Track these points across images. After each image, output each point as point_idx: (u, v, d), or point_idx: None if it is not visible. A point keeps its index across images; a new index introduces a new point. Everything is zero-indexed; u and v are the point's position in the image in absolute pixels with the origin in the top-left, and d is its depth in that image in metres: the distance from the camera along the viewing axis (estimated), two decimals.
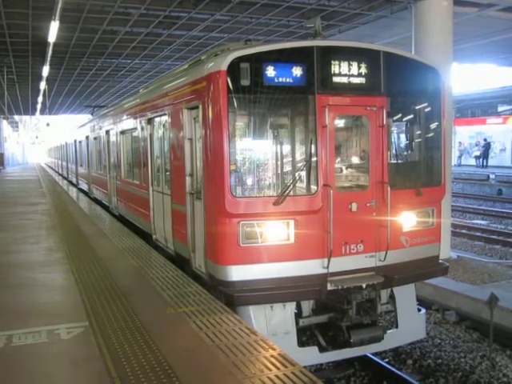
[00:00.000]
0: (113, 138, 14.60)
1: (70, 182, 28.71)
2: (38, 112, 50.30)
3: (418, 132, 7.93)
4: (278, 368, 4.36)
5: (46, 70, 23.98)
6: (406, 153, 8.12)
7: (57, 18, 14.31)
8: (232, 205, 6.28)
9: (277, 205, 6.32)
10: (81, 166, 23.72)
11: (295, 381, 4.13)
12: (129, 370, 4.36)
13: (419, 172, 7.96)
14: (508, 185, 30.65)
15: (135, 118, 11.41)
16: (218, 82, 6.30)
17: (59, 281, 7.45)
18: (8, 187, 27.03)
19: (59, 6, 13.29)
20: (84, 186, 22.58)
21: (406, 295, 7.45)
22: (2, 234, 11.53)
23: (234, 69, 6.22)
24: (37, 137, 68.23)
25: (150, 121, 10.11)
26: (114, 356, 4.65)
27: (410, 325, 7.41)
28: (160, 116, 9.36)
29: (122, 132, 13.27)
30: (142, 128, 10.65)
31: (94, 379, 4.32)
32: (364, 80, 6.81)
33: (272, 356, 4.60)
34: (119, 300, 6.33)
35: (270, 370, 4.33)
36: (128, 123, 12.36)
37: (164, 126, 9.16)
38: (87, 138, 20.43)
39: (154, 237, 10.05)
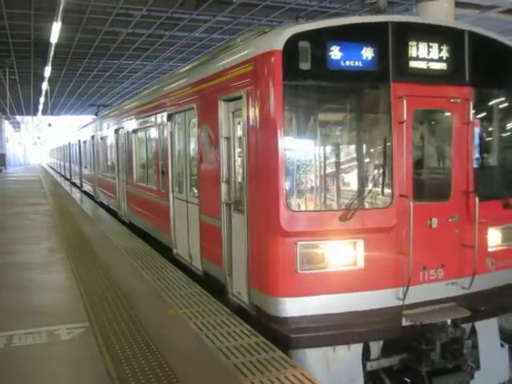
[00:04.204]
0: (123, 138, 13.16)
1: (74, 184, 28.27)
2: (39, 112, 50.40)
3: (509, 131, 6.65)
4: (278, 370, 4.34)
5: (47, 71, 24.03)
6: (492, 156, 6.69)
7: (59, 18, 14.35)
8: (288, 220, 5.09)
9: (344, 220, 5.17)
10: (85, 167, 22.59)
11: (296, 383, 4.12)
12: (129, 371, 4.35)
13: (508, 179, 6.56)
14: None
15: (152, 115, 10.00)
16: (270, 65, 5.11)
17: (60, 281, 7.44)
18: (10, 188, 27.05)
19: (61, 6, 13.32)
20: (89, 189, 21.58)
21: (489, 328, 6.06)
22: (3, 235, 11.53)
23: (291, 48, 5.02)
24: (38, 137, 68.32)
25: (171, 117, 8.73)
26: (114, 357, 4.64)
27: (493, 364, 6.02)
28: (185, 111, 7.99)
29: (135, 131, 11.93)
30: (161, 125, 9.30)
31: (94, 380, 4.30)
32: (445, 66, 5.63)
33: (273, 358, 4.58)
34: (120, 301, 6.32)
35: (271, 372, 4.31)
36: (142, 120, 11.03)
37: (190, 122, 7.85)
38: (93, 137, 19.20)
39: (174, 251, 8.77)
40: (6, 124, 62.08)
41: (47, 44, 18.68)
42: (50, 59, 21.48)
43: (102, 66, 27.30)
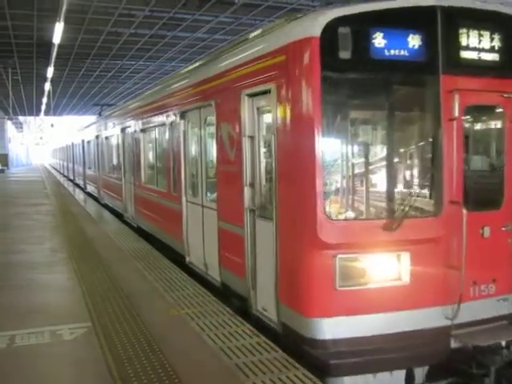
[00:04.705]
0: (131, 137, 12.49)
1: (77, 185, 28.03)
2: (42, 113, 50.58)
3: None
4: (280, 370, 4.34)
5: (50, 71, 24.09)
6: None
7: (61, 19, 14.38)
8: (327, 230, 4.54)
9: (389, 230, 4.61)
10: (89, 168, 22.07)
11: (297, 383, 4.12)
12: (131, 371, 4.35)
13: None
14: None
15: (162, 113, 9.39)
16: (305, 53, 4.57)
17: (62, 281, 7.46)
18: (13, 188, 27.10)
19: (64, 7, 13.35)
20: (93, 190, 21.10)
21: None
22: (5, 234, 11.55)
23: (329, 35, 4.47)
24: (41, 138, 68.47)
25: (184, 114, 8.13)
26: (117, 357, 4.64)
27: None
28: (200, 108, 7.39)
29: (144, 130, 11.28)
30: (173, 124, 8.66)
31: (96, 381, 4.31)
32: (498, 56, 5.03)
33: (275, 358, 4.58)
34: (122, 301, 6.33)
35: (273, 372, 4.31)
36: (152, 119, 10.38)
37: (206, 120, 7.29)
38: (97, 137, 18.56)
39: (187, 259, 8.20)
40: (9, 124, 62.24)
41: (50, 44, 18.73)
42: (53, 60, 21.53)
43: (105, 67, 27.36)
